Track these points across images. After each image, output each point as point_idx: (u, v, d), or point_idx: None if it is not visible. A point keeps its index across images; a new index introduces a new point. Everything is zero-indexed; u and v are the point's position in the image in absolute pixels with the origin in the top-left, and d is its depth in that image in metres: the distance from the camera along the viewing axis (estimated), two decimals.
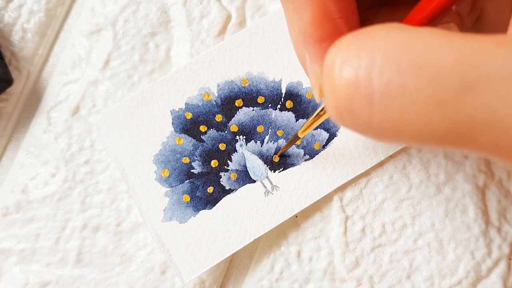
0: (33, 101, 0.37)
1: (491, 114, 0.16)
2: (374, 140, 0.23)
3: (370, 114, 0.18)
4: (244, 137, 0.34)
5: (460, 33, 0.17)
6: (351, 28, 0.24)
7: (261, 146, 0.34)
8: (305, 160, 0.34)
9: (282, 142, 0.34)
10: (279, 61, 0.35)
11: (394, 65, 0.17)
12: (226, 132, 0.35)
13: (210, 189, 0.34)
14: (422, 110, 0.17)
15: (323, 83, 0.20)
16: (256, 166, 0.34)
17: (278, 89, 0.35)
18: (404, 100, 0.17)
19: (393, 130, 0.18)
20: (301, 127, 0.30)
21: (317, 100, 0.26)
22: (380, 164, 0.35)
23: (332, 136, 0.34)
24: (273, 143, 0.34)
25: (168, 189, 0.34)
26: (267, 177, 0.34)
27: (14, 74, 0.36)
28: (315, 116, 0.28)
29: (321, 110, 0.27)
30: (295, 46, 0.27)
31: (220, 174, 0.34)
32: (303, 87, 0.35)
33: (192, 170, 0.34)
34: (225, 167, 0.34)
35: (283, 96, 0.35)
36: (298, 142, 0.34)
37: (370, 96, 0.18)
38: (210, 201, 0.34)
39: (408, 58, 0.17)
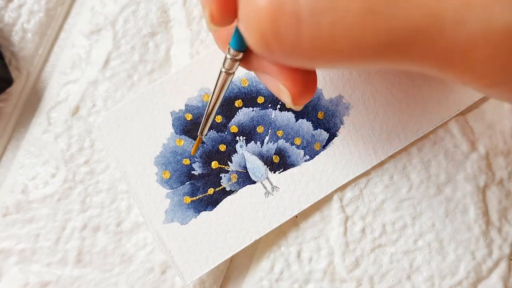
0: (33, 101, 0.37)
1: (424, 17, 0.15)
2: (304, 65, 0.22)
3: (298, 34, 0.17)
4: (244, 138, 0.34)
5: None
6: None
7: (261, 147, 0.34)
8: (305, 161, 0.34)
9: (282, 143, 0.34)
10: None
11: None
12: (226, 133, 0.34)
13: (210, 191, 0.34)
14: (354, 22, 0.16)
15: (241, 9, 0.18)
16: (256, 167, 0.34)
17: None
18: (335, 14, 0.16)
19: (324, 48, 0.17)
20: (211, 98, 0.27)
21: (210, 28, 0.23)
22: (380, 164, 0.35)
23: (332, 136, 0.34)
24: (273, 143, 0.34)
25: (169, 190, 0.34)
26: (267, 178, 0.34)
27: (14, 74, 0.36)
28: (222, 80, 0.26)
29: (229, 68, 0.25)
30: None
31: (220, 175, 0.34)
32: None
33: (192, 172, 0.34)
34: (226, 168, 0.34)
35: None
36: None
37: (297, 14, 0.16)
38: (211, 203, 0.34)
39: None
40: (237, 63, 0.24)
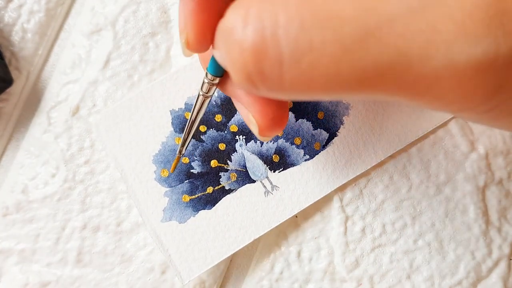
0: (33, 101, 0.37)
1: (393, 55, 0.17)
2: (286, 98, 0.24)
3: (281, 74, 0.18)
4: (244, 137, 0.34)
5: None
6: None
7: (261, 146, 0.34)
8: (305, 160, 0.34)
9: (282, 142, 0.34)
10: None
11: (298, 21, 0.17)
12: (225, 132, 0.34)
13: (209, 189, 0.34)
14: (330, 62, 0.17)
15: (225, 49, 0.20)
16: (256, 166, 0.34)
17: None
18: (313, 55, 0.17)
19: (305, 85, 0.18)
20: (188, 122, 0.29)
21: (185, 53, 0.25)
22: (380, 164, 0.35)
23: (332, 136, 0.34)
24: (273, 143, 0.34)
25: (168, 189, 0.34)
26: (267, 177, 0.34)
27: (14, 74, 0.36)
28: (201, 103, 0.27)
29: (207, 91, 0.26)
30: None
31: (219, 174, 0.34)
32: None
33: (191, 170, 0.34)
34: (225, 167, 0.34)
35: None
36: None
37: (279, 57, 0.18)
38: (210, 201, 0.34)
39: (310, 13, 0.17)
40: (214, 87, 0.26)
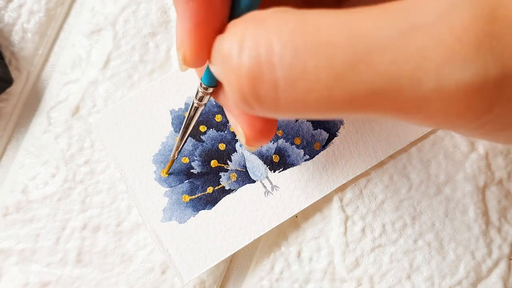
0: (33, 101, 0.37)
1: (384, 80, 0.17)
2: (280, 118, 0.24)
3: (276, 97, 0.19)
4: None
5: (349, 9, 0.18)
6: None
7: (261, 146, 0.34)
8: (305, 160, 0.34)
9: (282, 142, 0.34)
10: None
11: (291, 49, 0.18)
12: (225, 132, 0.34)
13: (209, 189, 0.34)
14: (324, 87, 0.18)
15: (221, 70, 0.20)
16: (256, 166, 0.34)
17: None
18: (307, 80, 0.18)
19: (299, 107, 0.19)
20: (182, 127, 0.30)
21: (181, 68, 0.25)
22: (380, 164, 0.35)
23: (332, 136, 0.34)
24: (273, 143, 0.34)
25: (168, 189, 0.34)
26: (267, 177, 0.34)
27: (14, 74, 0.36)
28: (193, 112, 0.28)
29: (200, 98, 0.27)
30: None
31: (219, 174, 0.34)
32: None
33: (191, 170, 0.34)
34: (225, 167, 0.34)
35: None
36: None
37: (274, 82, 0.18)
38: (210, 201, 0.34)
39: (303, 40, 0.18)
40: (208, 95, 0.26)
